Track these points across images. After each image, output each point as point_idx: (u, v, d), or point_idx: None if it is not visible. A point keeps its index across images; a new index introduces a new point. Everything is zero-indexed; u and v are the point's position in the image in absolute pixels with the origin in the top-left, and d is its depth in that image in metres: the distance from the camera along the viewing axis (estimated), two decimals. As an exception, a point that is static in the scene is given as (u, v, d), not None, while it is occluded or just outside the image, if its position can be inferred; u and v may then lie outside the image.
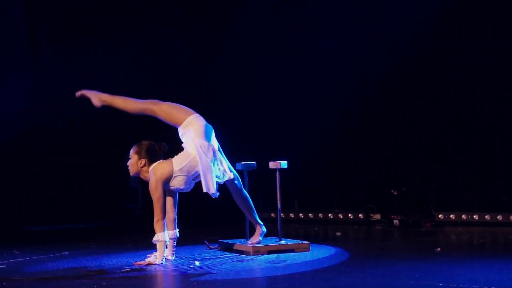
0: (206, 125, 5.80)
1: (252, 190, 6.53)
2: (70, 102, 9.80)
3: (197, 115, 5.83)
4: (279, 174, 6.25)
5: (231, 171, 5.91)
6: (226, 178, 5.80)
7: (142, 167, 5.72)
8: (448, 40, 8.72)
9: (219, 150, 5.86)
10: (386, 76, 9.17)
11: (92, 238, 8.06)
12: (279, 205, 6.28)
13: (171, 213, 5.82)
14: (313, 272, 5.00)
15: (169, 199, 5.78)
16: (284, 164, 6.22)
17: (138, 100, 5.90)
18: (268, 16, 10.05)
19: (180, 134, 5.84)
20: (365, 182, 9.27)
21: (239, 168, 6.29)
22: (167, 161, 5.70)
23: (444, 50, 8.75)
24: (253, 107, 10.16)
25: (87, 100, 5.97)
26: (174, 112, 5.83)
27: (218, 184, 5.72)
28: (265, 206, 9.57)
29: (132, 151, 5.78)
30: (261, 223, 6.16)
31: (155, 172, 5.63)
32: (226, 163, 5.88)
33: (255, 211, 6.15)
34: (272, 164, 6.25)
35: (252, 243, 6.06)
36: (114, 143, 9.33)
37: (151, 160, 5.71)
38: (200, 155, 5.61)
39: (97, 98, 5.94)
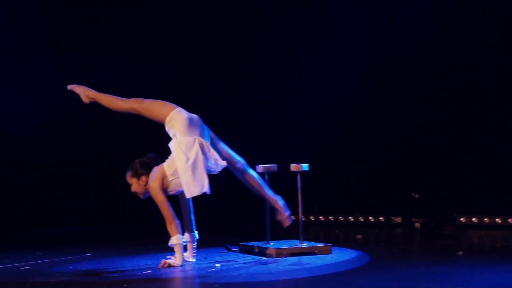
0: (188, 119, 5.68)
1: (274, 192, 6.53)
2: (90, 105, 9.92)
3: (178, 109, 5.75)
4: (301, 176, 6.23)
5: (231, 157, 5.85)
6: (220, 168, 5.76)
7: (145, 185, 5.72)
8: (468, 39, 8.67)
9: (212, 139, 5.79)
10: (405, 77, 9.13)
11: (113, 240, 8.09)
12: (300, 208, 6.27)
13: (188, 215, 5.83)
14: (335, 275, 4.99)
15: (183, 202, 5.79)
16: (305, 166, 6.21)
17: (123, 99, 5.91)
18: (285, 17, 10.03)
19: (167, 130, 5.80)
20: (386, 184, 9.23)
21: (260, 170, 6.28)
22: (158, 166, 5.71)
23: (465, 49, 8.69)
24: (274, 109, 10.15)
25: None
26: (156, 109, 5.79)
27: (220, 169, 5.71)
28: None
29: (128, 177, 5.75)
30: (277, 196, 6.07)
31: (151, 177, 5.66)
32: (226, 150, 5.85)
33: (267, 187, 6.06)
34: (293, 167, 6.24)
35: (282, 218, 5.99)
36: (135, 145, 9.36)
37: (149, 173, 5.71)
38: (177, 159, 5.56)
39: (85, 94, 5.99)
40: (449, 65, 8.84)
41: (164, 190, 5.62)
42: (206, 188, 5.57)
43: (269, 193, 6.04)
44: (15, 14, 9.89)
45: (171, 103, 5.83)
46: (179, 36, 10.28)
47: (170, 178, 5.62)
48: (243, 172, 5.94)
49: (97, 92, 5.99)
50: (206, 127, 5.81)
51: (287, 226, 6.06)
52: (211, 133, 5.85)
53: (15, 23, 9.88)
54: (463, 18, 8.67)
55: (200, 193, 5.57)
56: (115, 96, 5.94)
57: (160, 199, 5.58)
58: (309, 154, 8.49)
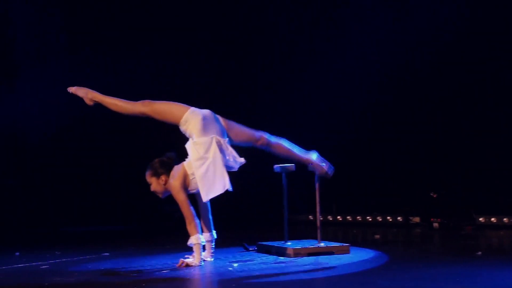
0: (203, 119, 5.65)
1: (291, 192, 6.53)
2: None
3: (191, 110, 5.71)
4: (318, 176, 6.22)
5: (251, 136, 5.84)
6: (238, 165, 5.75)
7: (165, 184, 5.72)
8: (490, 37, 8.63)
9: (227, 125, 5.77)
10: (426, 75, 9.10)
11: (131, 240, 8.12)
12: (318, 208, 6.25)
13: (206, 215, 5.83)
14: (352, 275, 4.98)
15: (201, 202, 5.79)
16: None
17: (129, 102, 5.80)
18: (302, 14, 10.02)
19: (182, 131, 5.79)
20: (405, 184, 9.20)
21: (278, 170, 6.28)
22: (179, 165, 5.71)
23: (487, 47, 8.65)
24: (292, 109, 10.15)
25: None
26: (168, 112, 5.74)
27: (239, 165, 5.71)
28: (303, 209, 9.56)
29: (148, 177, 5.74)
30: (310, 154, 6.03)
31: (173, 176, 5.65)
32: (244, 131, 5.84)
33: (297, 148, 6.03)
34: (311, 167, 6.22)
35: (322, 173, 5.99)
36: (154, 144, 9.39)
37: (169, 172, 5.70)
38: (194, 162, 5.57)
39: (87, 97, 5.90)
40: (471, 64, 8.79)
41: (185, 188, 5.63)
42: (227, 185, 5.57)
43: (300, 154, 6.00)
44: (34, 16, 9.96)
45: (181, 104, 5.78)
46: (195, 31, 10.29)
47: (191, 177, 5.63)
48: (268, 144, 5.91)
49: (100, 94, 5.89)
50: (218, 119, 5.77)
51: (330, 177, 6.01)
52: (224, 121, 5.80)
53: (34, 25, 9.95)
54: (486, 15, 8.62)
55: (222, 191, 5.57)
56: (121, 99, 5.84)
57: (181, 198, 5.59)
58: (327, 153, 8.47)
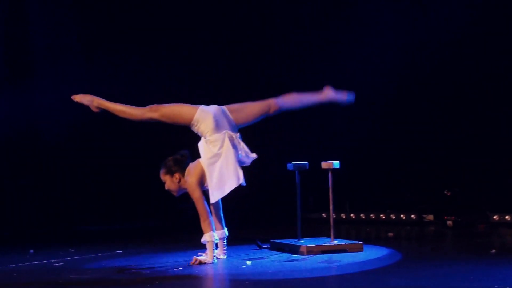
0: (214, 117, 5.65)
1: (304, 190, 6.52)
2: (124, 101, 9.98)
3: (200, 109, 5.70)
4: (332, 174, 6.22)
5: (263, 108, 5.81)
6: (251, 160, 5.74)
7: (179, 182, 5.73)
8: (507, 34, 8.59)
9: (236, 112, 5.75)
10: (438, 72, 9.07)
11: (144, 238, 8.14)
12: (331, 206, 6.25)
13: (217, 212, 5.84)
14: (366, 273, 4.98)
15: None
16: (336, 164, 6.19)
17: (136, 108, 5.75)
18: (318, 13, 10.01)
19: (194, 131, 5.78)
20: (418, 182, 9.17)
21: (291, 168, 6.28)
22: (196, 161, 5.72)
23: (502, 45, 8.61)
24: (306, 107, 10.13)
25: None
26: (177, 114, 5.72)
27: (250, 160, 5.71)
28: (316, 207, 9.55)
29: (162, 175, 5.74)
30: (323, 92, 6.07)
31: (189, 173, 5.66)
32: (253, 107, 5.81)
33: (307, 93, 6.05)
34: (324, 164, 6.22)
35: (342, 99, 6.08)
36: (166, 142, 9.41)
37: (183, 170, 5.71)
38: (207, 163, 5.58)
39: (93, 104, 5.84)
40: (487, 59, 8.74)
41: (201, 185, 5.64)
42: (241, 180, 5.59)
43: (313, 96, 6.02)
44: (50, 14, 10.00)
45: (188, 104, 5.76)
46: (208, 30, 10.30)
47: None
48: (281, 106, 5.89)
49: (106, 101, 5.84)
50: (226, 113, 5.73)
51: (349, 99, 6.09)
52: (231, 110, 5.76)
53: (50, 23, 9.99)
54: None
55: (236, 185, 5.58)
56: (128, 105, 5.79)
57: (196, 195, 5.60)
58: (340, 151, 8.46)
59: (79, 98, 5.91)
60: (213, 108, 5.73)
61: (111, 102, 5.84)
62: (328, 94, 6.00)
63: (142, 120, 5.79)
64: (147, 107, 5.75)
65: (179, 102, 5.84)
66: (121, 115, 5.80)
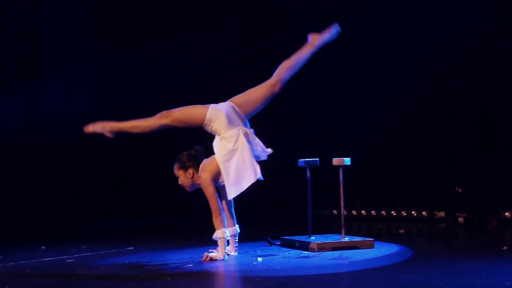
0: (226, 114, 5.63)
1: (315, 187, 6.52)
2: (133, 99, 10.01)
3: (211, 108, 5.68)
4: (343, 171, 6.21)
5: (267, 87, 5.74)
6: (266, 154, 5.74)
7: (192, 177, 5.73)
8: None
9: (243, 104, 5.72)
10: (448, 70, 9.04)
11: (155, 234, 8.16)
12: (342, 202, 6.24)
13: (229, 209, 5.84)
14: (377, 270, 4.97)
15: (224, 196, 5.80)
16: (347, 160, 6.17)
17: (147, 119, 5.75)
18: (327, 12, 9.99)
19: (208, 131, 5.76)
20: (430, 179, 9.15)
21: (302, 165, 6.28)
22: (210, 158, 5.72)
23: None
24: (317, 103, 10.13)
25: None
26: (188, 117, 5.71)
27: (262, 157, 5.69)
28: (327, 203, 9.54)
29: (175, 170, 5.75)
30: (314, 39, 5.92)
31: (203, 169, 5.66)
32: (257, 92, 5.75)
33: (301, 49, 5.93)
34: (335, 161, 6.21)
35: (329, 33, 5.94)
36: (176, 139, 9.42)
37: (197, 166, 5.72)
38: (222, 159, 5.57)
39: (106, 130, 5.80)
40: (497, 58, 8.71)
41: (215, 181, 5.64)
42: (259, 174, 5.58)
43: (305, 51, 5.89)
44: (62, 11, 10.03)
45: (198, 105, 5.75)
46: (219, 27, 10.29)
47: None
48: (283, 79, 5.79)
49: (117, 122, 5.82)
50: (235, 108, 5.71)
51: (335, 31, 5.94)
52: (238, 103, 5.73)
53: (61, 23, 10.02)
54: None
55: (254, 180, 5.57)
56: (138, 120, 5.78)
57: (210, 191, 5.60)
58: (351, 148, 8.45)
59: (91, 128, 5.88)
60: (224, 105, 5.72)
61: (122, 122, 5.82)
62: (315, 40, 5.90)
63: (156, 129, 5.77)
64: (158, 115, 5.74)
65: (189, 104, 5.84)
66: (135, 130, 5.79)
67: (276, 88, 5.77)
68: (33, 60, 9.85)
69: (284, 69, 5.80)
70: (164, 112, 5.75)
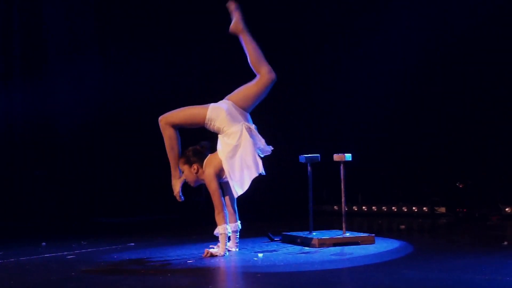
0: (227, 111, 5.62)
1: (316, 182, 6.52)
2: (137, 96, 10.03)
3: (211, 107, 5.67)
4: (344, 166, 6.21)
5: (257, 79, 5.65)
6: (269, 149, 5.74)
7: (196, 172, 5.73)
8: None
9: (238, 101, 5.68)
10: (449, 69, 9.04)
11: (157, 230, 8.16)
12: (343, 198, 6.24)
13: (231, 206, 5.84)
14: (378, 265, 4.97)
15: (227, 192, 5.79)
16: (348, 156, 6.17)
17: (167, 136, 5.71)
18: (332, 8, 9.99)
19: (210, 129, 5.74)
20: (430, 174, 9.15)
21: (303, 161, 6.28)
22: (215, 153, 5.71)
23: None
24: (318, 99, 10.13)
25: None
26: (188, 118, 5.69)
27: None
28: (328, 199, 9.55)
29: (180, 164, 5.74)
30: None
31: (208, 165, 5.66)
32: (248, 86, 5.69)
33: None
34: (336, 157, 6.21)
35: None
36: (185, 135, 9.44)
37: (202, 161, 5.71)
38: (225, 156, 5.57)
39: (177, 185, 5.81)
40: (497, 54, 8.71)
41: (219, 177, 5.64)
42: (261, 169, 5.57)
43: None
44: (65, 8, 10.04)
45: (196, 106, 5.72)
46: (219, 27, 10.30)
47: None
48: (266, 72, 5.67)
49: (172, 170, 5.78)
50: (234, 105, 5.70)
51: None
52: (234, 98, 5.69)
53: (65, 20, 10.02)
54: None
55: (256, 175, 5.56)
56: (168, 147, 5.73)
57: (213, 187, 5.60)
58: (353, 144, 8.46)
59: (176, 192, 5.88)
60: (223, 103, 5.71)
61: (172, 167, 5.79)
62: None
63: (176, 133, 5.73)
64: (161, 124, 5.72)
65: (191, 104, 5.83)
66: (178, 150, 5.74)
67: (272, 76, 5.67)
68: (37, 56, 9.86)
69: (259, 57, 5.68)
70: (162, 123, 5.72)
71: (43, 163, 9.81)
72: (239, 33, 5.77)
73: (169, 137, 5.75)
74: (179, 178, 5.83)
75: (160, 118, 5.74)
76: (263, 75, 5.68)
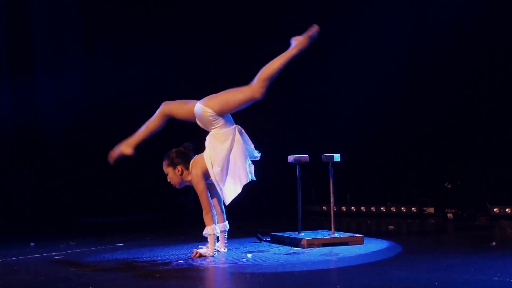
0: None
1: (304, 183, 6.52)
2: (124, 95, 10.01)
3: (198, 103, 5.65)
4: (332, 166, 6.22)
5: (245, 90, 5.57)
6: (257, 156, 5.73)
7: (181, 174, 5.72)
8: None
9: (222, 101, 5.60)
10: (437, 66, 9.07)
11: (145, 230, 8.15)
12: (332, 198, 6.25)
13: (218, 206, 5.83)
14: (367, 266, 4.98)
15: (213, 193, 5.78)
16: (337, 157, 6.18)
17: (154, 116, 5.73)
18: (319, 10, 9.99)
19: (200, 125, 5.73)
20: (419, 175, 9.18)
21: (291, 161, 6.28)
22: (200, 154, 5.70)
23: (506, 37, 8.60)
24: (306, 100, 10.14)
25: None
26: (179, 109, 5.69)
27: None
28: (317, 199, 9.56)
29: (164, 166, 5.74)
30: (295, 41, 5.77)
31: (194, 165, 5.64)
32: (231, 91, 5.61)
33: (281, 56, 5.77)
34: (325, 157, 6.22)
35: (312, 31, 5.79)
36: (169, 135, 9.42)
37: (186, 163, 5.70)
38: (210, 164, 5.55)
39: (126, 148, 5.77)
40: (487, 53, 8.73)
41: (205, 178, 5.63)
42: (250, 176, 5.57)
43: (288, 55, 5.69)
44: (52, 8, 10.01)
45: (190, 100, 5.71)
46: (211, 28, 10.30)
47: (212, 169, 5.61)
48: (265, 82, 5.56)
49: (133, 136, 5.78)
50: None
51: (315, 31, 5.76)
52: (210, 100, 5.61)
53: (52, 19, 10.00)
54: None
55: (246, 182, 5.56)
56: (146, 123, 5.76)
57: (200, 188, 5.59)
58: (341, 144, 8.46)
59: (114, 155, 5.83)
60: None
61: (135, 134, 5.78)
62: (299, 44, 5.77)
63: (162, 121, 5.73)
64: (160, 110, 5.72)
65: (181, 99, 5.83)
66: (149, 131, 5.74)
67: (257, 95, 5.55)
68: (24, 56, 9.82)
69: (266, 75, 5.57)
70: (163, 105, 5.74)
71: (31, 163, 9.78)
72: (298, 46, 5.72)
73: (155, 120, 5.72)
74: (132, 147, 5.74)
75: (164, 102, 5.73)
76: (256, 89, 5.57)
